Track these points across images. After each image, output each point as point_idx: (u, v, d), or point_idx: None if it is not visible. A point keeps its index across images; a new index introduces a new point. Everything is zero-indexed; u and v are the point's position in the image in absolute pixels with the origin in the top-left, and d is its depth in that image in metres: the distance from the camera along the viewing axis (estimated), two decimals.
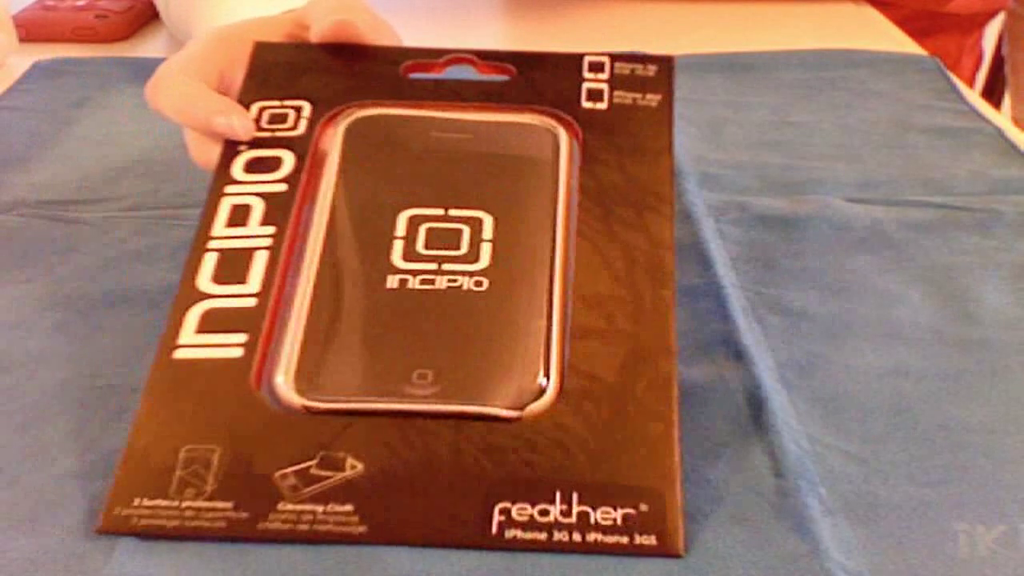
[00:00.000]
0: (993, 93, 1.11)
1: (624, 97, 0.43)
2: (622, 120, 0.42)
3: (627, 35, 0.78)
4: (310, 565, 0.31)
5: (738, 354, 0.40)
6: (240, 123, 0.42)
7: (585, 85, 0.43)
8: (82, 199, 0.53)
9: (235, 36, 0.46)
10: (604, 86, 0.43)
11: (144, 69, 0.47)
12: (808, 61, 0.70)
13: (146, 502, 0.32)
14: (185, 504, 0.32)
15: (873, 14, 0.83)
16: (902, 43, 0.76)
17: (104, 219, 0.51)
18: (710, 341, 0.41)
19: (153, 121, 0.62)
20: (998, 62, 1.09)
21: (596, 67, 0.44)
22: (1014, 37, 1.00)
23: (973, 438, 0.36)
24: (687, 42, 0.75)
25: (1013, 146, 0.58)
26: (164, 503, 0.32)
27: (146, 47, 0.77)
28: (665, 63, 0.44)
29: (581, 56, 0.44)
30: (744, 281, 0.45)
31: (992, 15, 0.96)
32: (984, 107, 0.64)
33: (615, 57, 0.44)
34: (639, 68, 0.43)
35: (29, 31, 0.78)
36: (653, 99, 0.43)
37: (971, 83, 0.97)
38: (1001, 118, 0.62)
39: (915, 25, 0.81)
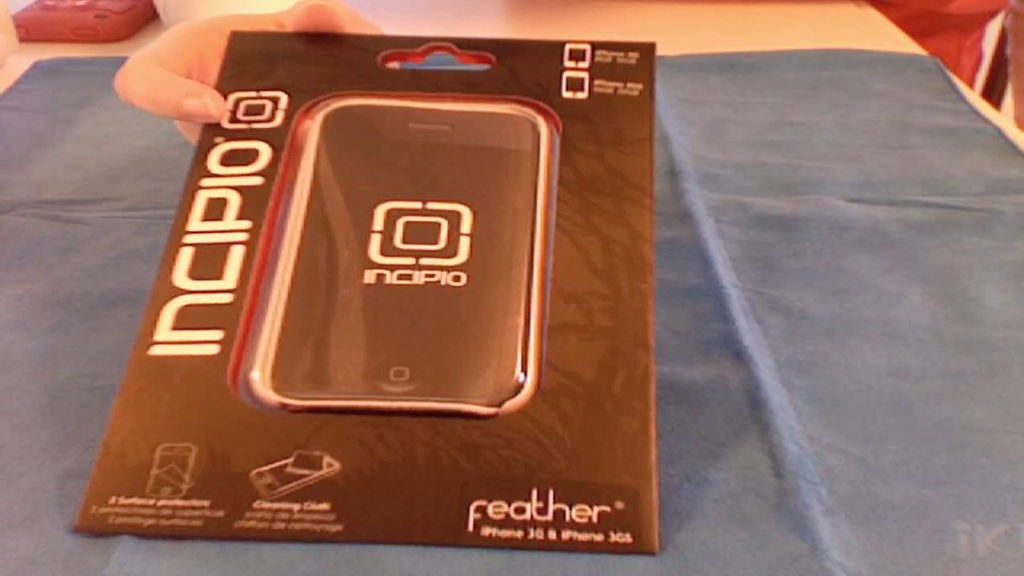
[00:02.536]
0: (993, 93, 1.11)
1: (605, 86, 0.42)
2: (603, 110, 0.41)
3: (627, 36, 0.78)
4: (310, 565, 0.31)
5: (738, 354, 0.40)
6: (213, 103, 0.41)
7: (565, 74, 0.42)
8: (82, 199, 0.53)
9: (211, 28, 0.45)
10: (584, 75, 0.42)
11: None
12: (808, 61, 0.71)
13: (122, 500, 0.32)
14: (161, 503, 0.32)
15: (873, 14, 0.83)
16: (902, 43, 0.76)
17: (104, 219, 0.51)
18: (710, 341, 0.41)
19: (153, 121, 0.62)
20: (998, 62, 1.09)
21: (577, 55, 0.43)
22: (1017, 36, 1.00)
23: (973, 438, 0.36)
24: (687, 42, 0.75)
25: (1013, 146, 0.58)
26: (140, 501, 0.32)
27: None
28: (646, 51, 0.43)
29: (562, 44, 0.43)
30: (744, 281, 0.45)
31: (992, 15, 0.96)
32: (984, 107, 0.64)
33: (596, 45, 0.43)
34: (620, 56, 0.43)
35: (29, 31, 0.78)
36: (634, 88, 0.42)
37: (971, 83, 0.97)
38: (1001, 118, 0.62)
39: (915, 25, 0.81)
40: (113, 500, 0.32)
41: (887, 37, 0.78)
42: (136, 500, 0.32)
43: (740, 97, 0.66)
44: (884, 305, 0.44)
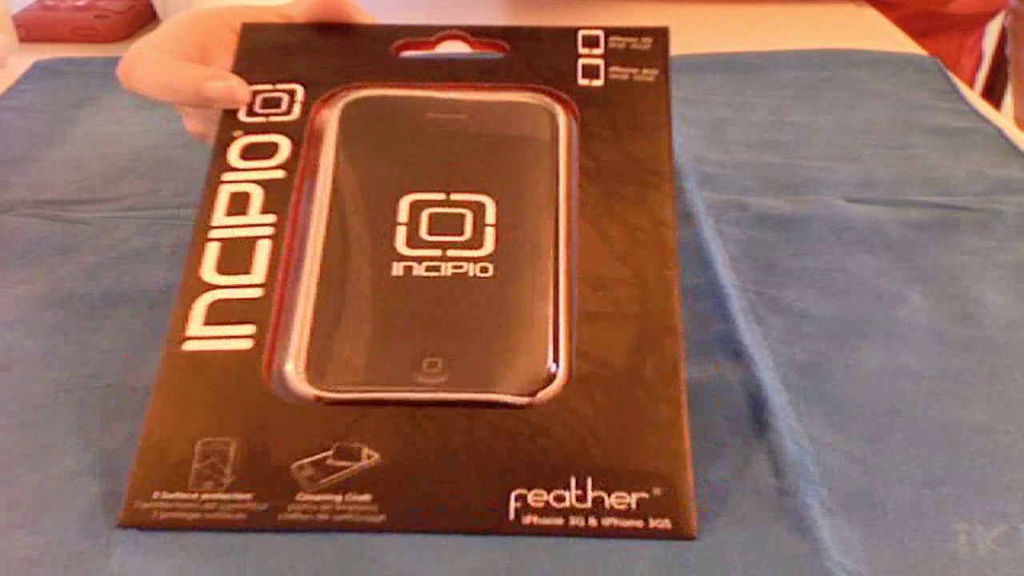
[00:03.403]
0: (993, 93, 1.11)
1: (620, 73, 0.42)
2: (619, 97, 0.41)
3: None
4: (311, 563, 0.31)
5: (738, 354, 0.40)
6: (238, 84, 0.41)
7: (580, 61, 0.42)
8: (82, 199, 0.53)
9: (213, 17, 0.44)
10: (599, 62, 0.42)
11: None
12: (808, 61, 0.71)
13: (165, 495, 0.32)
14: (204, 497, 0.32)
15: (873, 14, 0.83)
16: (902, 43, 0.76)
17: (104, 219, 0.51)
18: (710, 341, 0.41)
19: (153, 121, 0.62)
20: (998, 62, 1.09)
21: (591, 42, 0.43)
22: (1017, 36, 1.00)
23: (973, 438, 0.36)
24: (687, 42, 0.75)
25: (1013, 146, 0.58)
26: (183, 496, 0.32)
27: None
28: (660, 35, 0.43)
29: (575, 30, 0.43)
30: (744, 281, 0.45)
31: (992, 15, 0.96)
32: (984, 107, 0.64)
33: (609, 31, 0.43)
34: (634, 41, 0.43)
35: (29, 31, 0.78)
36: (649, 74, 0.42)
37: (971, 83, 0.97)
38: (1001, 118, 0.62)
39: (915, 25, 0.81)
40: (156, 495, 0.32)
41: (887, 37, 0.78)
42: (179, 495, 0.32)
43: (740, 97, 0.66)
44: (884, 305, 0.44)
